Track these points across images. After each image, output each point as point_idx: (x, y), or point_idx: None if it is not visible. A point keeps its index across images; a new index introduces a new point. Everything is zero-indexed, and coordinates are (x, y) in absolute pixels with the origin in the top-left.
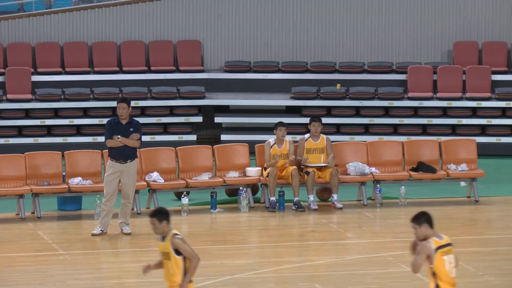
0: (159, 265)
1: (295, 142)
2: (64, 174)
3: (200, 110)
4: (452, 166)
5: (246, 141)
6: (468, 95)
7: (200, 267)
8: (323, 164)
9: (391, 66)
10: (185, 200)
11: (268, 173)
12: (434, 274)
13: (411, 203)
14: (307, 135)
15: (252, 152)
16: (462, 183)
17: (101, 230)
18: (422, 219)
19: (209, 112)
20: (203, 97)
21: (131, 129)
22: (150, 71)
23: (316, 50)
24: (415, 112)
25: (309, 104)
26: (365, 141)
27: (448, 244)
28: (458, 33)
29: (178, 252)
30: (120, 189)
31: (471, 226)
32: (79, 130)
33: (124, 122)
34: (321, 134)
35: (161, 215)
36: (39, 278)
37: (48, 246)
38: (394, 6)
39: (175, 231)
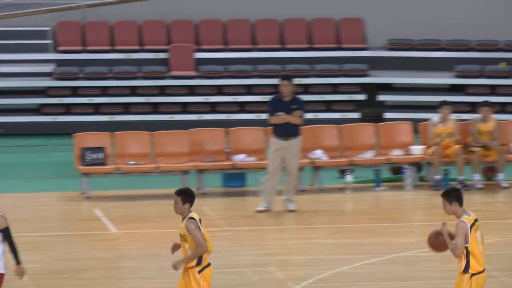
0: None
1: (463, 121)
2: (228, 150)
3: (363, 87)
4: None
5: (409, 119)
6: None
7: (364, 245)
8: (487, 144)
9: None
10: (349, 178)
11: (433, 152)
12: (468, 253)
13: None
14: (477, 116)
15: (415, 131)
16: None
17: (265, 206)
18: (453, 196)
19: (372, 90)
20: (365, 75)
21: (294, 106)
22: (312, 49)
23: (479, 29)
24: None
25: (473, 82)
26: None
27: (476, 220)
28: None
29: None
30: (284, 166)
31: None
32: (242, 107)
33: (287, 99)
34: (492, 116)
35: (186, 196)
36: None
37: (214, 222)
38: None
39: (192, 215)
